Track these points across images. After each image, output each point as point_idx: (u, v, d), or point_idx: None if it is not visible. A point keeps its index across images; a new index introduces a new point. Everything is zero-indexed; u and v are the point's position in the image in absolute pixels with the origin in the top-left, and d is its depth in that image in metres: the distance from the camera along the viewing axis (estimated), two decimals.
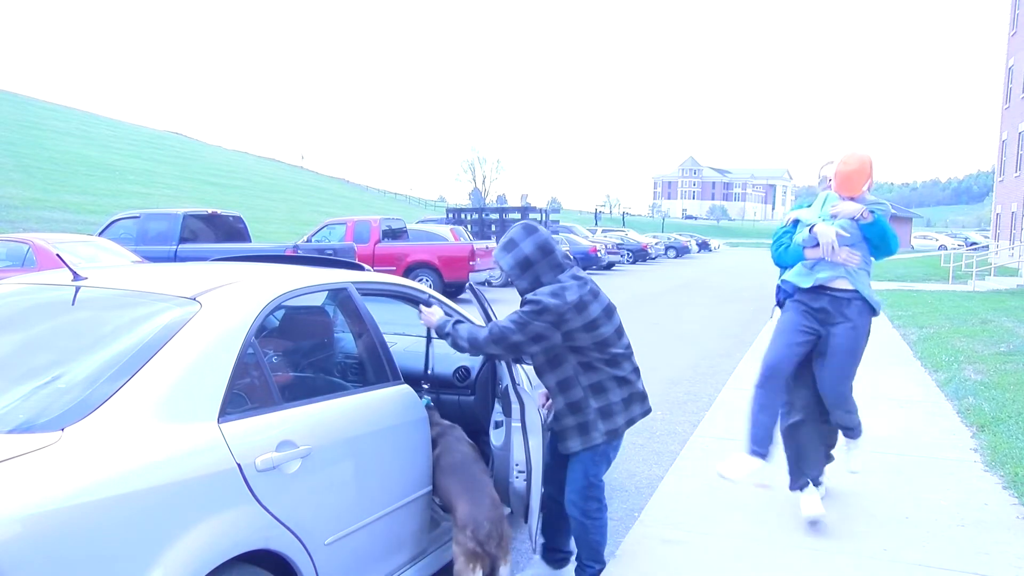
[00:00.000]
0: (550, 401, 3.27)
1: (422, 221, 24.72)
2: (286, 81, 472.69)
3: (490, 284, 17.05)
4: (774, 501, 4.20)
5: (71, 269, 2.73)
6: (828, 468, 4.28)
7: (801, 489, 4.00)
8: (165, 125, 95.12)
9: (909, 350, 9.29)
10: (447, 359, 3.93)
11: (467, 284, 3.37)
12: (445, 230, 18.40)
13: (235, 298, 2.55)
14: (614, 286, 20.98)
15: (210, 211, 14.24)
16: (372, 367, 3.07)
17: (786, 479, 4.08)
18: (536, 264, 3.06)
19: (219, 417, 2.23)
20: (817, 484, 4.09)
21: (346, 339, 3.35)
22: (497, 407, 3.29)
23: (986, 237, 53.64)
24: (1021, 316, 12.48)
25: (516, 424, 3.11)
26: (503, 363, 3.19)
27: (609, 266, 29.45)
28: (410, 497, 2.96)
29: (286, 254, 3.76)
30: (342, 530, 2.56)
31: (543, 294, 2.97)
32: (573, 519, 3.20)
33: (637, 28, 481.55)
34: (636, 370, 3.25)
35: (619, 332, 3.17)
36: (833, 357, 3.79)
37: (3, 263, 10.20)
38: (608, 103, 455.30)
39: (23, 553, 1.69)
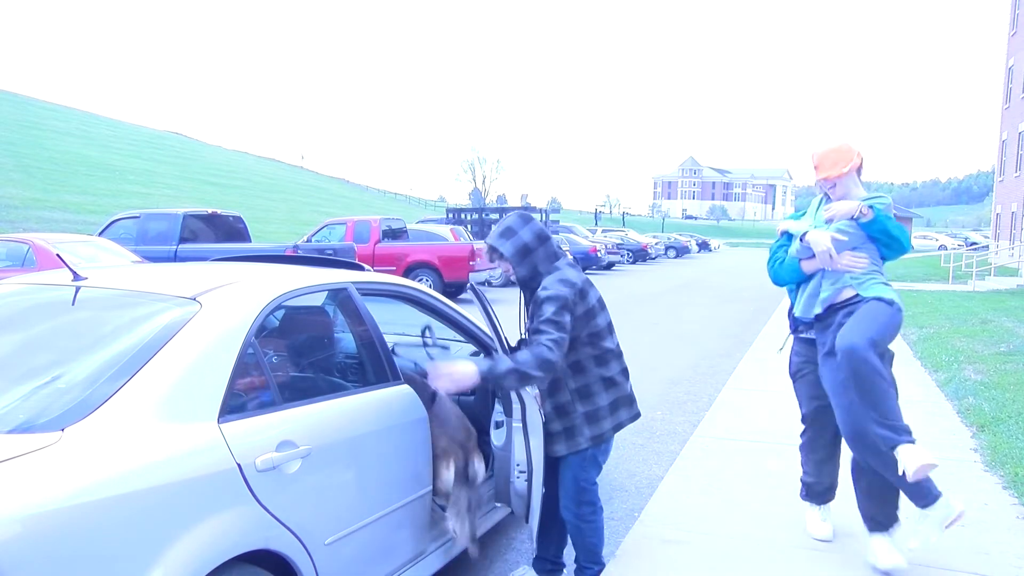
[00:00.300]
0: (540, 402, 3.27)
1: (422, 221, 24.71)
2: (286, 81, 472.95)
3: (490, 284, 17.05)
4: (775, 501, 4.20)
5: (71, 269, 2.73)
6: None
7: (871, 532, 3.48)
8: (165, 125, 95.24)
9: (909, 350, 9.29)
10: (447, 359, 3.92)
11: (468, 284, 3.36)
12: (445, 230, 18.40)
13: (235, 298, 2.55)
14: (614, 286, 20.98)
15: (210, 211, 14.24)
16: (372, 367, 3.07)
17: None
18: (534, 252, 3.08)
19: (219, 417, 2.23)
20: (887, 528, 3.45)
21: (346, 339, 3.34)
22: (498, 407, 3.29)
23: (985, 237, 53.65)
24: (1021, 316, 12.48)
25: (517, 424, 3.10)
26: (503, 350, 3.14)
27: (609, 266, 29.45)
28: (410, 497, 2.96)
29: (286, 254, 3.76)
30: (342, 530, 2.56)
31: (554, 285, 2.96)
32: (568, 523, 3.20)
33: (637, 28, 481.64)
34: (625, 371, 3.24)
35: (610, 328, 3.17)
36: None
37: (3, 263, 10.20)
38: (608, 103, 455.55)
39: (23, 553, 1.69)
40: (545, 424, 3.14)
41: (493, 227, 3.22)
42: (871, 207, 3.29)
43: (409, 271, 15.39)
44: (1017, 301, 15.48)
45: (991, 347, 9.25)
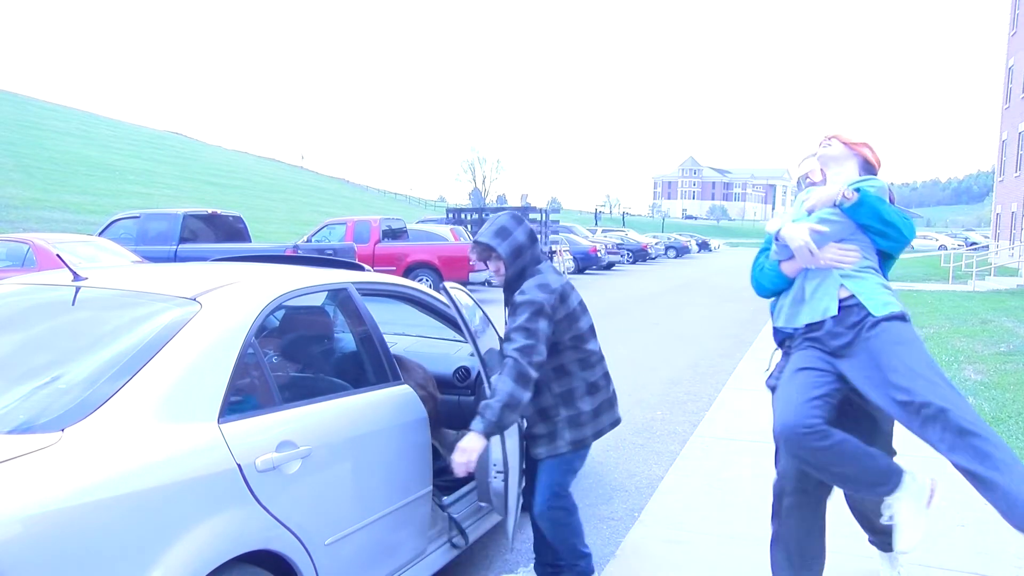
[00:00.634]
0: None
1: (422, 221, 24.70)
2: (286, 81, 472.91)
3: (490, 284, 17.03)
4: None
5: (71, 269, 2.73)
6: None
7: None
8: (165, 125, 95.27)
9: None
10: (447, 359, 3.93)
11: (440, 286, 3.32)
12: (445, 230, 18.40)
13: (235, 298, 2.55)
14: (614, 286, 20.99)
15: (210, 211, 14.25)
16: (372, 367, 3.07)
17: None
18: (525, 252, 3.09)
19: (219, 417, 2.23)
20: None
21: (346, 339, 3.34)
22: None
23: (985, 237, 53.65)
24: (1021, 316, 12.49)
25: None
26: (480, 363, 3.12)
27: (609, 266, 29.45)
28: (410, 498, 2.96)
29: (286, 254, 3.76)
30: (342, 530, 2.56)
31: (532, 290, 2.96)
32: (543, 526, 3.17)
33: (637, 28, 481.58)
34: (607, 375, 3.25)
35: (592, 331, 3.17)
36: (881, 359, 2.61)
37: (3, 263, 10.20)
38: (608, 103, 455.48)
39: (23, 553, 1.69)
40: (528, 427, 3.15)
41: (484, 227, 3.20)
42: (857, 189, 2.74)
43: (409, 271, 15.39)
44: (1017, 301, 15.48)
45: (991, 347, 9.26)
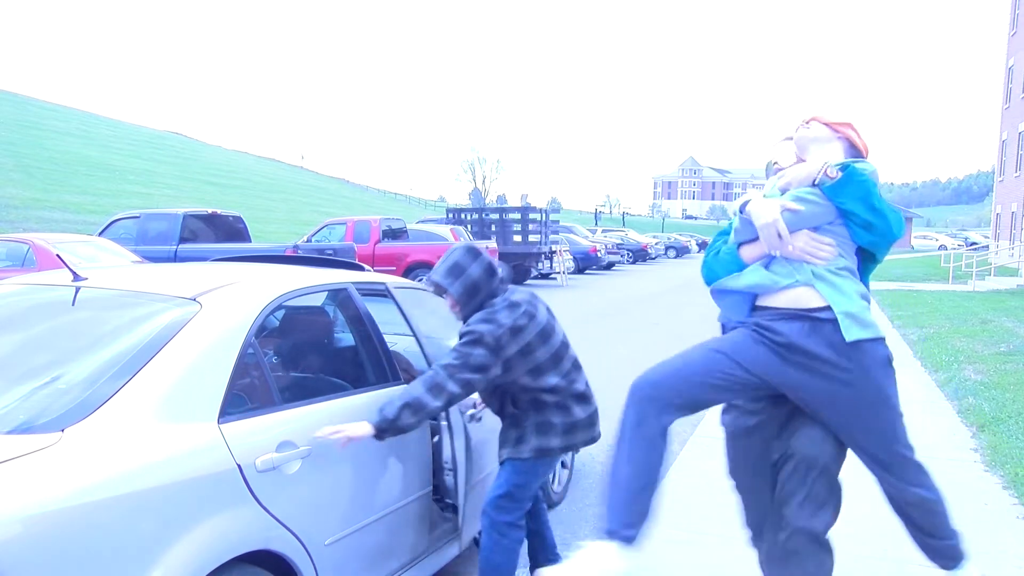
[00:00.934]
0: (483, 405, 3.23)
1: (422, 221, 24.70)
2: (286, 81, 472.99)
3: None
4: None
5: (71, 269, 2.73)
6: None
7: None
8: (165, 125, 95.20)
9: (909, 350, 9.30)
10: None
11: (383, 286, 3.30)
12: (445, 230, 18.40)
13: (235, 298, 2.55)
14: (614, 286, 20.99)
15: (210, 211, 14.25)
16: (372, 367, 3.07)
17: None
18: (483, 289, 2.95)
19: (219, 417, 2.23)
20: None
21: (346, 339, 3.35)
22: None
23: (985, 237, 53.64)
24: (1021, 316, 12.49)
25: (444, 423, 3.14)
26: (425, 363, 3.11)
27: (609, 266, 29.47)
28: (410, 498, 2.96)
29: (286, 254, 3.76)
30: (342, 531, 2.56)
31: (476, 323, 2.86)
32: (483, 528, 2.99)
33: (636, 29, 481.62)
34: (577, 397, 3.02)
35: (555, 359, 2.95)
36: (847, 417, 2.36)
37: (3, 263, 10.21)
38: (608, 103, 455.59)
39: (23, 553, 1.69)
40: (502, 432, 3.09)
41: (438, 261, 3.08)
42: (843, 168, 2.27)
43: (409, 271, 15.39)
44: (1017, 301, 15.48)
45: (991, 347, 9.26)
